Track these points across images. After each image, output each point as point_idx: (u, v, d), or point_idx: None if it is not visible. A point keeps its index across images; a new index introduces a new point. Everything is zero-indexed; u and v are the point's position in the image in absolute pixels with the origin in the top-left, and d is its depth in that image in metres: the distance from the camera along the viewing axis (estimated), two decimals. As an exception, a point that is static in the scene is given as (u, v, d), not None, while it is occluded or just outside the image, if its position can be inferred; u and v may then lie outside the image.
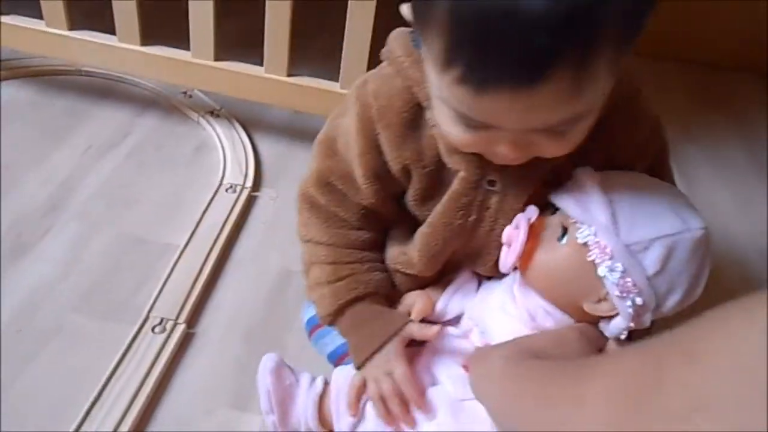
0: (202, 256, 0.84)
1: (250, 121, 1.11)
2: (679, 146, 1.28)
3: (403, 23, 0.55)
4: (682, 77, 1.54)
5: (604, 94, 0.49)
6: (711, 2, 1.50)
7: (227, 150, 1.03)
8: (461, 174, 0.59)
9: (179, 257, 0.84)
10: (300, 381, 0.63)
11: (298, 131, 1.10)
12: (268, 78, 0.97)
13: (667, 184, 0.61)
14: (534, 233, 0.57)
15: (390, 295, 0.68)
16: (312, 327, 0.72)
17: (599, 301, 0.56)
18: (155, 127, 1.08)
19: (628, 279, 0.53)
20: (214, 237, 0.87)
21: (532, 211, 0.58)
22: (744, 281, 0.98)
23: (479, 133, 0.50)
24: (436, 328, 0.62)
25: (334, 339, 0.69)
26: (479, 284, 0.67)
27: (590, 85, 0.45)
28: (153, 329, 0.74)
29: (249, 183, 0.98)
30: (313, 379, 0.64)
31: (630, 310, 0.54)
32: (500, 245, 0.60)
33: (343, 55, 0.93)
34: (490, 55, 0.42)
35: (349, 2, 0.87)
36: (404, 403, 0.60)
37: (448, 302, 0.66)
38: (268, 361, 0.63)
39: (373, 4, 0.86)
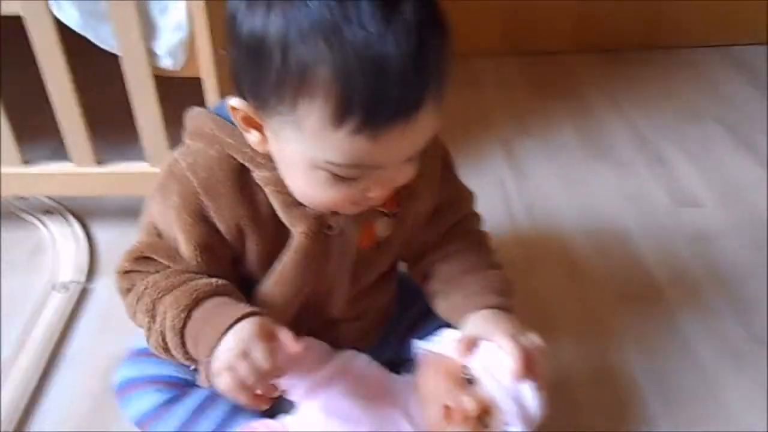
0: (27, 363, 0.86)
1: (85, 212, 1.13)
2: (514, 142, 1.34)
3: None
4: (522, 69, 1.61)
5: None
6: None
7: (60, 248, 1.05)
8: (302, 229, 0.62)
9: (7, 371, 0.85)
10: None
11: (133, 212, 1.12)
12: (80, 171, 0.99)
13: None
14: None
15: None
16: (121, 389, 0.73)
17: None
18: (-8, 236, 1.09)
19: None
20: (42, 342, 0.89)
21: None
22: (571, 265, 1.04)
23: (352, 185, 0.55)
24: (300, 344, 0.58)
25: (140, 401, 0.71)
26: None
27: (441, 109, 0.54)
28: (-22, 450, 0.76)
29: (82, 278, 1.00)
30: None
31: None
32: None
33: (140, 135, 0.96)
34: (381, 102, 0.49)
35: (127, 85, 0.91)
36: (269, 385, 0.57)
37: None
38: None
39: (151, 79, 0.90)
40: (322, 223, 0.62)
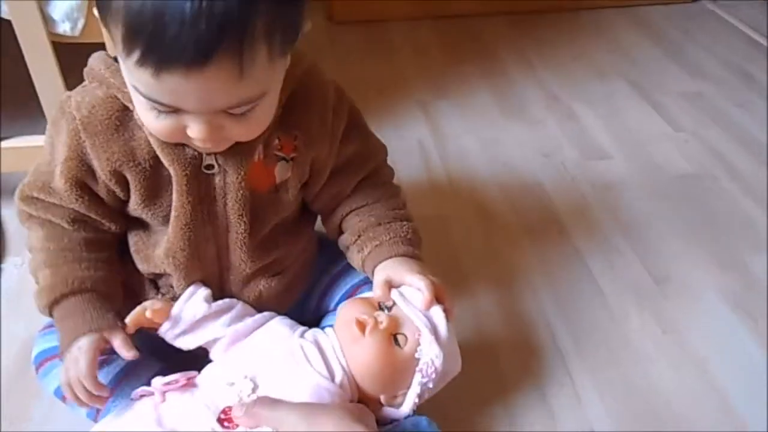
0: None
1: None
2: (432, 104, 1.36)
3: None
4: (436, 33, 1.63)
5: (274, 80, 0.57)
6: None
7: (-37, 228, 1.00)
8: (180, 168, 0.63)
9: None
10: None
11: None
12: (-21, 147, 0.94)
13: None
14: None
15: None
16: (39, 362, 0.73)
17: (395, 397, 0.65)
18: None
19: (431, 385, 0.63)
20: (-51, 324, 0.85)
21: None
22: (486, 217, 1.07)
23: (170, 118, 0.56)
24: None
25: (59, 375, 0.69)
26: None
27: (253, 73, 0.52)
28: None
29: (-12, 257, 0.95)
30: None
31: (417, 401, 0.64)
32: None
33: (44, 108, 0.92)
34: (162, 40, 0.49)
35: (24, 53, 0.86)
36: (87, 393, 0.64)
37: (183, 307, 0.68)
38: None
39: (49, 46, 0.86)
40: (200, 162, 0.64)
